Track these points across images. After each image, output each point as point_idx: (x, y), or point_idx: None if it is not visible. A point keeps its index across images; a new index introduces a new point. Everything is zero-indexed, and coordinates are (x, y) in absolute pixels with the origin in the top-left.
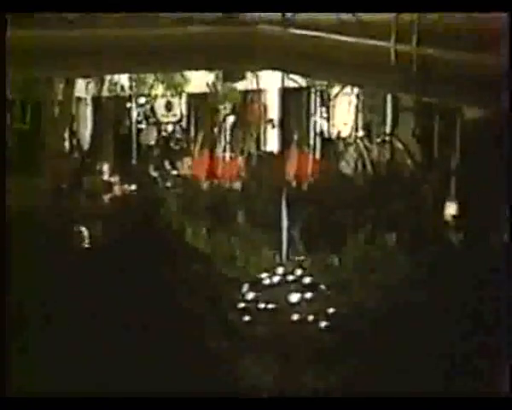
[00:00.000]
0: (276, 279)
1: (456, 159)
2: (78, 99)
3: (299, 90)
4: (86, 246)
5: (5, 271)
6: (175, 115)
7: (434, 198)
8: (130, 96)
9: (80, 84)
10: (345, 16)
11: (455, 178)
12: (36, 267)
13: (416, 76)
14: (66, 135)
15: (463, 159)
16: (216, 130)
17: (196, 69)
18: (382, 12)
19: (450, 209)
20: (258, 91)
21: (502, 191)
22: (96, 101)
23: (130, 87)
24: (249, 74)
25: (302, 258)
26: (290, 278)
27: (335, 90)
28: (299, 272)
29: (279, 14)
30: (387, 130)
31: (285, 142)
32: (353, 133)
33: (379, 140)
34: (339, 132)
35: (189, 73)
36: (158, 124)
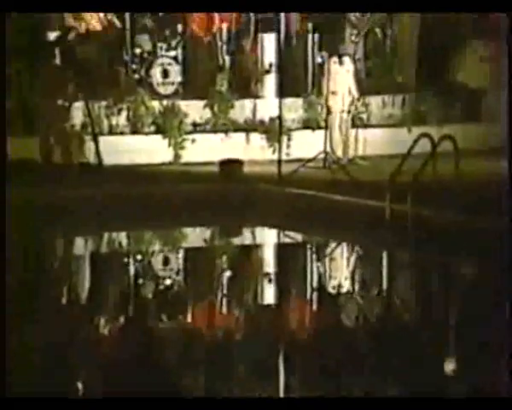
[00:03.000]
0: None
1: (454, 314)
2: (77, 256)
3: (296, 245)
4: (83, 396)
5: None
6: (172, 270)
7: (433, 352)
8: (127, 252)
9: (79, 241)
10: (341, 176)
11: (454, 334)
12: None
13: (412, 234)
14: (65, 290)
15: (462, 314)
16: (213, 284)
17: (193, 226)
18: (382, 12)
19: (450, 364)
20: (255, 246)
21: (502, 345)
22: (94, 257)
23: (128, 243)
24: (246, 230)
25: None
26: None
27: (331, 245)
28: None
29: (276, 172)
30: (384, 285)
31: (282, 295)
32: (350, 287)
33: (376, 294)
34: (335, 286)
35: (187, 229)
36: (155, 278)
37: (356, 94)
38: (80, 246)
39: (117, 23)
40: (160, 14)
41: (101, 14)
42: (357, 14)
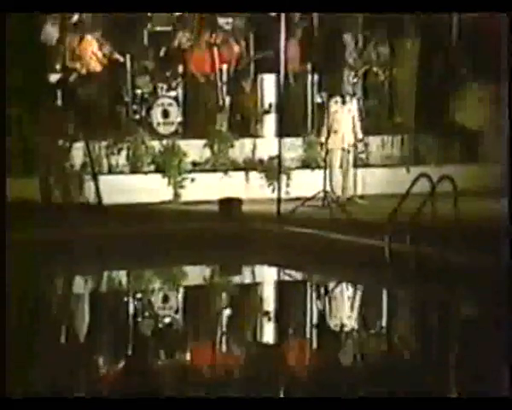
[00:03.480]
0: None
1: (454, 353)
2: (77, 294)
3: (295, 283)
4: None
5: None
6: (171, 308)
7: (434, 390)
8: (127, 290)
9: (78, 280)
10: (340, 215)
11: (454, 372)
12: None
13: (411, 273)
14: (64, 328)
15: (462, 353)
16: (213, 322)
17: (193, 264)
18: (383, 12)
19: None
20: (255, 284)
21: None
22: (94, 296)
23: (128, 282)
24: (245, 268)
25: None
26: None
27: (331, 284)
28: None
29: (275, 210)
30: (384, 323)
31: (281, 333)
32: (350, 325)
33: (376, 332)
34: (335, 324)
35: (186, 267)
36: (154, 316)
37: (360, 134)
38: (80, 285)
39: (118, 57)
40: (161, 55)
41: (101, 54)
42: (355, 55)
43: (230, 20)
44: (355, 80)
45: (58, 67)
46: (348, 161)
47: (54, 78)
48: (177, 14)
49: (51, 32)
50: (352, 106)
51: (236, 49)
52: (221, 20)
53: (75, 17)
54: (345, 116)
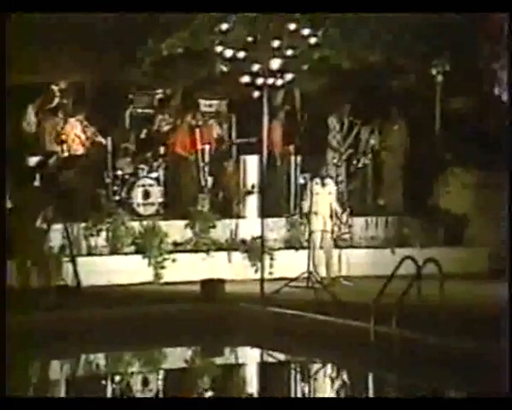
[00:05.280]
0: None
1: None
2: (53, 380)
3: (279, 364)
4: None
5: None
6: (151, 391)
7: None
8: (105, 374)
9: (55, 364)
10: (325, 296)
11: None
12: None
13: (397, 356)
14: None
15: None
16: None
17: (174, 346)
18: (384, 12)
19: None
20: (237, 366)
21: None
22: (70, 381)
23: (106, 365)
24: (228, 349)
25: None
26: None
27: (315, 366)
28: None
29: (258, 291)
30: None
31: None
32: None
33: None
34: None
35: (167, 349)
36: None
37: (339, 217)
38: (57, 369)
39: (102, 140)
40: (142, 136)
41: (84, 136)
42: (339, 137)
43: (213, 102)
44: (339, 163)
45: (38, 150)
46: (329, 242)
47: (33, 161)
48: (159, 96)
49: (32, 117)
50: (332, 188)
51: (218, 130)
52: (203, 102)
53: (56, 101)
54: (324, 198)
